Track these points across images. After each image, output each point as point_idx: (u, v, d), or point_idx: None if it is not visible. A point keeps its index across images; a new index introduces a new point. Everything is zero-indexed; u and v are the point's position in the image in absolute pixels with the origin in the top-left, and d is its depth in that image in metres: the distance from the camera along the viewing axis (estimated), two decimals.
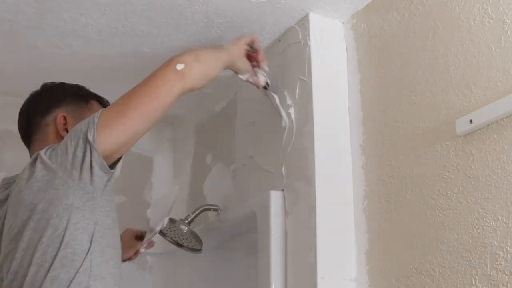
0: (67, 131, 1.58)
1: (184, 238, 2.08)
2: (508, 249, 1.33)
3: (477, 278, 1.38)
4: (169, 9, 1.86)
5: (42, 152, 1.43)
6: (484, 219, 1.39)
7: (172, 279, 2.43)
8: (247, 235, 2.06)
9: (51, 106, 1.64)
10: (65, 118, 1.62)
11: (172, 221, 2.03)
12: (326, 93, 1.83)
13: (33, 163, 1.44)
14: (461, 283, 1.42)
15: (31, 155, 1.62)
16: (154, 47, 2.07)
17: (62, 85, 1.72)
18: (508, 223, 1.34)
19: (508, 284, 1.31)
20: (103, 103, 1.73)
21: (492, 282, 1.35)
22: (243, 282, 2.04)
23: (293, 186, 1.80)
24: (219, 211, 2.15)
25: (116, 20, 1.91)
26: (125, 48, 2.08)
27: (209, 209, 2.16)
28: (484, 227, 1.39)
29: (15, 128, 2.42)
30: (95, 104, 1.70)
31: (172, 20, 1.92)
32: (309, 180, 1.74)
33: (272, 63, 2.03)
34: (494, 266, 1.35)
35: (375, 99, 1.77)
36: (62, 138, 1.52)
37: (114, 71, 2.24)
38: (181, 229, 2.04)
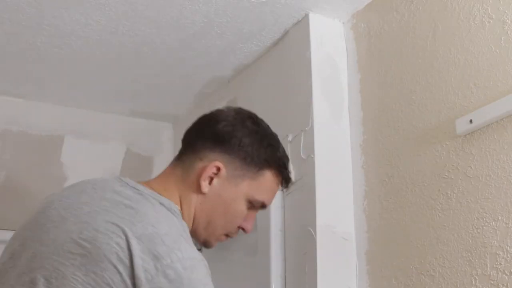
0: (210, 183, 1.26)
1: None
2: (508, 249, 1.33)
3: (477, 278, 1.38)
4: (169, 9, 1.86)
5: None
6: (484, 219, 1.39)
7: None
8: (247, 235, 2.06)
9: (217, 144, 1.29)
10: (219, 170, 1.26)
11: None
12: (326, 93, 1.83)
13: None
14: (461, 283, 1.42)
15: (175, 162, 1.33)
16: (154, 47, 2.07)
17: (247, 131, 1.32)
18: (508, 223, 1.34)
19: (508, 284, 1.31)
20: (282, 174, 1.33)
21: (492, 282, 1.35)
22: (243, 282, 2.03)
23: (293, 186, 1.80)
24: None
25: (116, 20, 1.91)
26: (125, 48, 2.07)
27: None
28: (484, 227, 1.39)
29: (15, 128, 2.43)
30: (268, 175, 1.30)
31: (172, 20, 1.92)
32: (309, 180, 1.74)
33: (272, 63, 2.03)
34: (494, 266, 1.35)
35: (375, 99, 1.77)
36: (198, 187, 1.25)
37: (114, 71, 2.24)
38: None
